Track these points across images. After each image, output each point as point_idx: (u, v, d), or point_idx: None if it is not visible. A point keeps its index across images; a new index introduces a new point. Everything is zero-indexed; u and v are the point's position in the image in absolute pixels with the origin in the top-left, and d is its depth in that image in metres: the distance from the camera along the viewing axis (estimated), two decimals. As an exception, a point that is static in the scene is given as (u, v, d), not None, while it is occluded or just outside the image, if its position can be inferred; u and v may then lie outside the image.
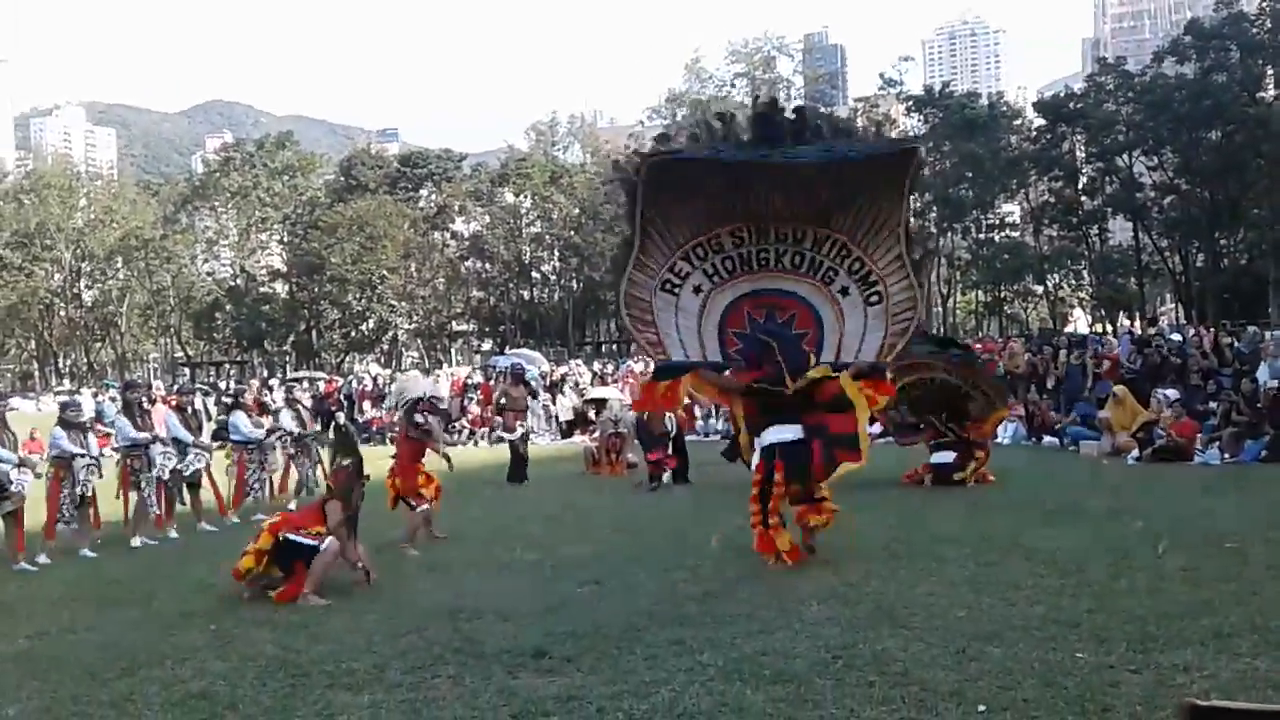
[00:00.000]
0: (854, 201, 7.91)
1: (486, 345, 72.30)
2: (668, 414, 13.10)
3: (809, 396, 7.86)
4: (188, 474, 11.53)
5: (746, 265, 8.24)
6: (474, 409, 24.54)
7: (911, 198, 7.65)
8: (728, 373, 8.38)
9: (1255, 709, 3.01)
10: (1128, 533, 8.65)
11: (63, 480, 10.06)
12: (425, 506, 9.69)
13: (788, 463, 7.77)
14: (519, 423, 14.82)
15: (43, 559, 9.78)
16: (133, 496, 10.92)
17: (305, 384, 31.66)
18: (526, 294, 71.93)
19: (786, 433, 7.81)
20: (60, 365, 77.96)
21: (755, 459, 8.12)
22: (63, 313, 72.75)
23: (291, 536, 7.65)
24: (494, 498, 13.39)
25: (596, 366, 30.60)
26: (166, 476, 11.13)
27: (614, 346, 65.72)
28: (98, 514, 10.56)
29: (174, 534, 11.13)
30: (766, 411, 7.96)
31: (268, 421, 13.10)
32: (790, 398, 7.81)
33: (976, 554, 8.01)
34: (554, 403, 23.99)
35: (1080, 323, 58.47)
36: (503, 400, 15.54)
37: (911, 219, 7.64)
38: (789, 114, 8.33)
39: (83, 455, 10.22)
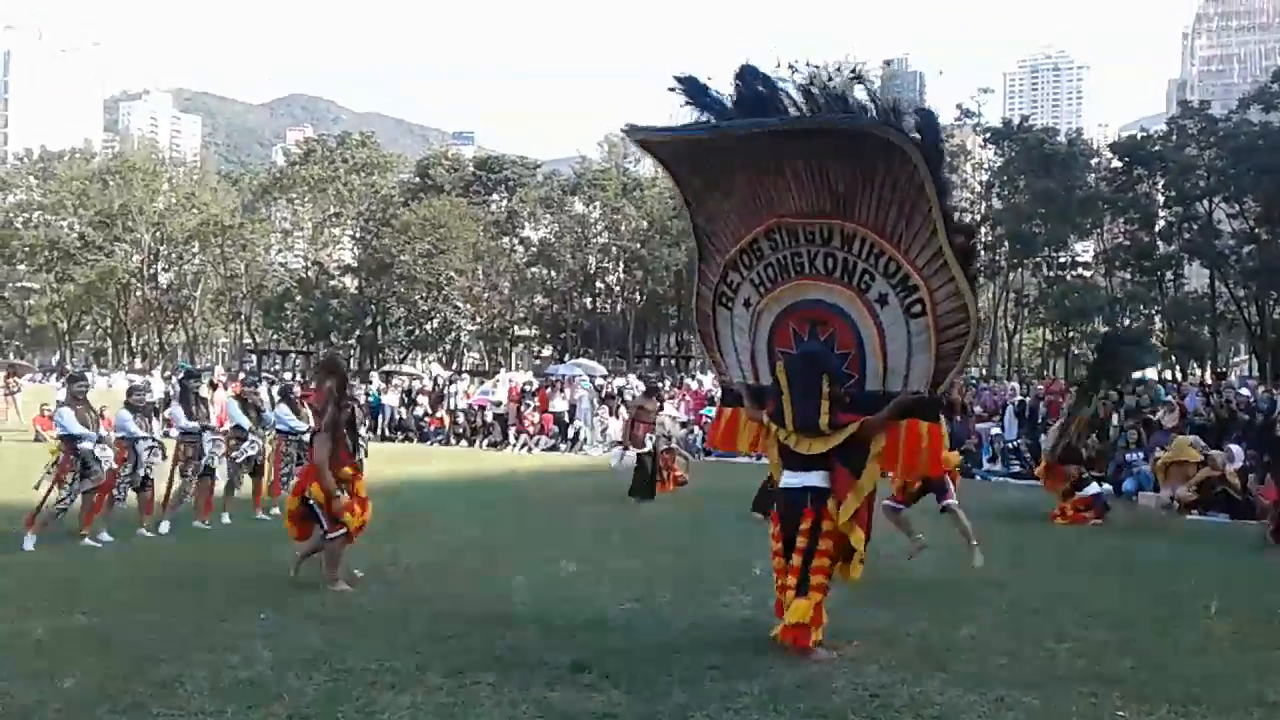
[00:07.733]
0: (871, 182, 5.99)
1: (547, 351, 72.70)
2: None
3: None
4: (241, 460, 11.77)
5: (785, 272, 6.54)
6: (531, 416, 24.73)
7: (942, 176, 5.82)
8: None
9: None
10: (1179, 590, 8.52)
11: (125, 460, 10.36)
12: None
13: (781, 520, 6.55)
14: (648, 434, 14.65)
15: (105, 536, 10.08)
16: (177, 481, 11.15)
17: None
18: (589, 303, 72.27)
19: (794, 479, 6.47)
20: (133, 344, 79.83)
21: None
22: (139, 293, 74.51)
23: (311, 500, 7.95)
24: (546, 510, 13.52)
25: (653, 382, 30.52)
26: (215, 465, 11.41)
27: (673, 361, 65.71)
28: (153, 497, 10.84)
29: (227, 518, 11.45)
30: (783, 454, 6.59)
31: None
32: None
33: (1022, 600, 7.94)
34: (610, 415, 24.09)
35: (1149, 369, 57.30)
36: (635, 413, 15.30)
37: (947, 201, 5.84)
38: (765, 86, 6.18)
39: (146, 438, 10.53)
